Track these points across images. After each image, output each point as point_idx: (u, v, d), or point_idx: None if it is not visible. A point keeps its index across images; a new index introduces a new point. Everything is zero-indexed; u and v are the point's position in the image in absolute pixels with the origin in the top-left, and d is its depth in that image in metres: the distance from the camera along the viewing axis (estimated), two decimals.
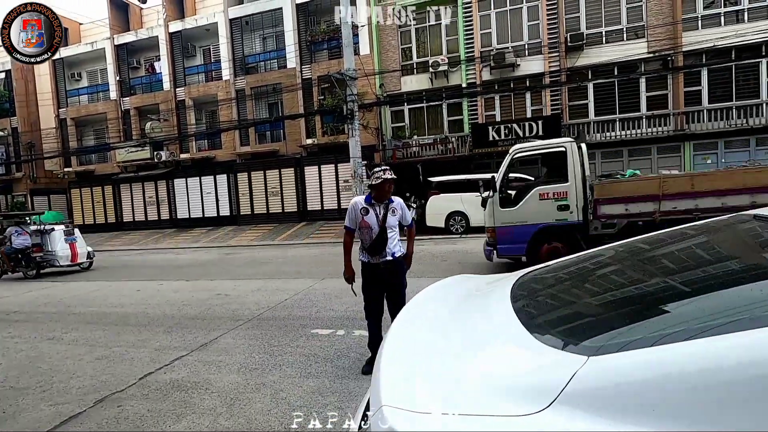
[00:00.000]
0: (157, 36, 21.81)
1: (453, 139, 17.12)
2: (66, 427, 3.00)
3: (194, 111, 21.72)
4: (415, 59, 17.91)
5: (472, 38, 16.80)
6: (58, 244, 11.37)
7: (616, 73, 15.72)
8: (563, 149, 6.69)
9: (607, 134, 15.84)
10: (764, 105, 14.51)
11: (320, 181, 18.97)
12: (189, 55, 22.31)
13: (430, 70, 17.10)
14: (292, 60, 19.56)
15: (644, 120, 15.53)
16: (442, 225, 13.59)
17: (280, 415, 2.93)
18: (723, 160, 14.91)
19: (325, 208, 19.00)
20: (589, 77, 15.92)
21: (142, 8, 23.88)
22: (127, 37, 22.72)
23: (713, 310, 1.17)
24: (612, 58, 15.42)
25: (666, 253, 1.85)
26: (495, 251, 7.08)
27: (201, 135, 21.55)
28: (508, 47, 16.55)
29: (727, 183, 6.19)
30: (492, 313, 1.51)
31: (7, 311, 7.11)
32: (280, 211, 19.70)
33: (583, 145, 6.88)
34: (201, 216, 21.14)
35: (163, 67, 22.14)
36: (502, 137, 15.87)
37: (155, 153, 21.28)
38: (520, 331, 1.25)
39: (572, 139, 6.94)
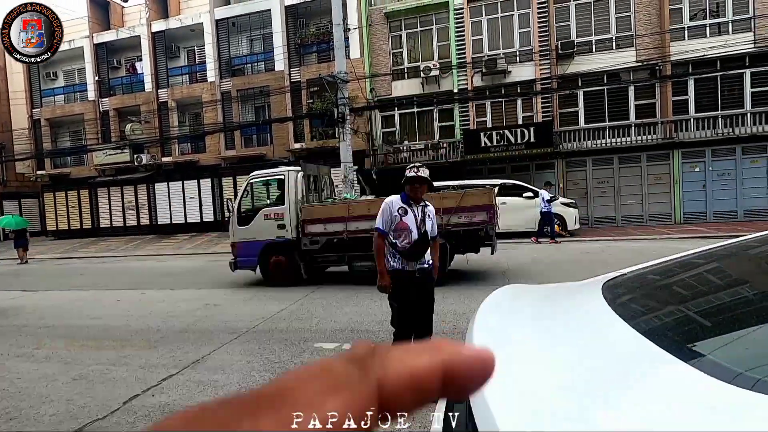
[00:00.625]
0: (139, 35, 21.08)
1: (444, 144, 16.95)
2: None
3: (177, 113, 21.00)
4: (406, 64, 17.73)
5: (464, 44, 16.72)
6: None
7: (605, 81, 15.88)
8: (282, 177, 7.71)
9: (598, 142, 15.93)
10: (749, 114, 14.80)
11: None
12: (172, 55, 21.64)
13: (422, 75, 16.93)
14: (280, 62, 19.14)
15: (633, 128, 15.67)
16: None
17: None
18: (710, 168, 15.14)
19: None
20: (580, 85, 16.03)
21: (123, 6, 23.09)
22: (107, 36, 21.90)
23: None
24: (602, 66, 15.58)
25: None
26: (236, 263, 8.00)
27: (184, 138, 20.86)
28: (499, 53, 16.52)
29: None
30: (607, 335, 1.18)
31: None
32: None
33: (325, 172, 8.40)
34: (183, 222, 20.34)
35: (144, 67, 21.38)
36: (494, 143, 15.77)
37: (135, 156, 20.42)
38: (663, 356, 0.92)
39: (298, 169, 7.82)
